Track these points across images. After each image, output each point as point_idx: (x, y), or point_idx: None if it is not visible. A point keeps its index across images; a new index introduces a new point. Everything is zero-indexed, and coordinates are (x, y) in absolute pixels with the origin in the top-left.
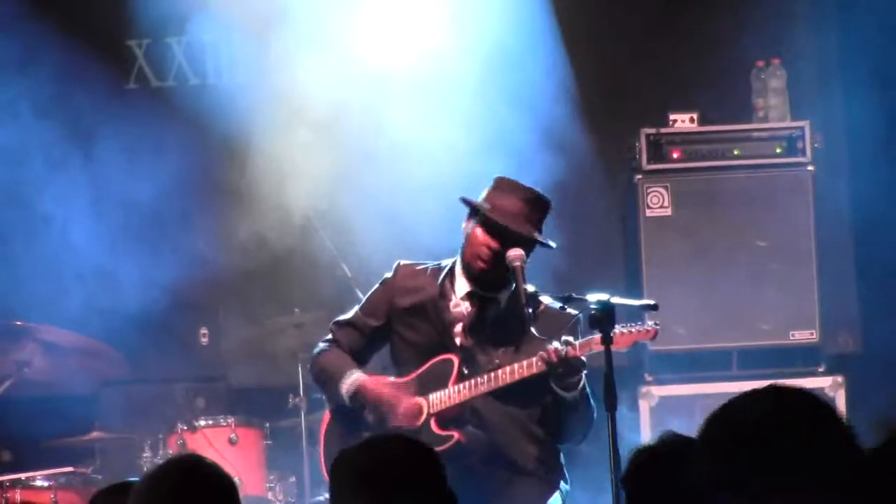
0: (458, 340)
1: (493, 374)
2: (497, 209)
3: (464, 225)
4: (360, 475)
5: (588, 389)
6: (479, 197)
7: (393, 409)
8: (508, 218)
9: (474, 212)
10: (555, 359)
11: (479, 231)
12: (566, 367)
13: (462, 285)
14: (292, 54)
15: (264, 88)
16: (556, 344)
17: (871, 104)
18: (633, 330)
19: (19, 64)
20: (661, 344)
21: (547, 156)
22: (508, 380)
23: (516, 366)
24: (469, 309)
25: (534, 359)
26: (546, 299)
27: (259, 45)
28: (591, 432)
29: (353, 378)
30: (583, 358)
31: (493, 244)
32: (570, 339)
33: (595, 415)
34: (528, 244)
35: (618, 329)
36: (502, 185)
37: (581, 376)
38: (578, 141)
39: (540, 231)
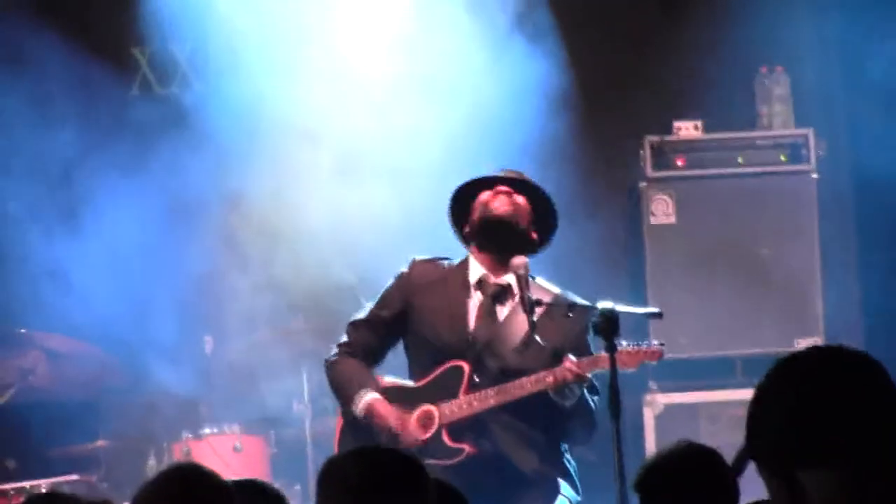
0: (469, 336)
1: (503, 388)
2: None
3: (466, 228)
4: (349, 486)
5: (587, 395)
6: (448, 207)
7: (395, 439)
8: (504, 172)
9: (466, 199)
10: (569, 378)
11: (483, 194)
12: (571, 385)
13: (475, 271)
14: (296, 62)
15: (268, 95)
16: (567, 363)
17: (875, 111)
18: (639, 350)
19: (23, 70)
20: (666, 351)
21: (551, 163)
22: (518, 395)
23: (525, 381)
24: (482, 299)
25: (542, 375)
26: (549, 288)
27: (263, 53)
28: (595, 436)
29: (366, 401)
30: (588, 375)
31: (503, 188)
32: (573, 359)
33: (596, 418)
34: (532, 194)
35: (625, 345)
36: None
37: (583, 390)
38: (583, 148)
39: None
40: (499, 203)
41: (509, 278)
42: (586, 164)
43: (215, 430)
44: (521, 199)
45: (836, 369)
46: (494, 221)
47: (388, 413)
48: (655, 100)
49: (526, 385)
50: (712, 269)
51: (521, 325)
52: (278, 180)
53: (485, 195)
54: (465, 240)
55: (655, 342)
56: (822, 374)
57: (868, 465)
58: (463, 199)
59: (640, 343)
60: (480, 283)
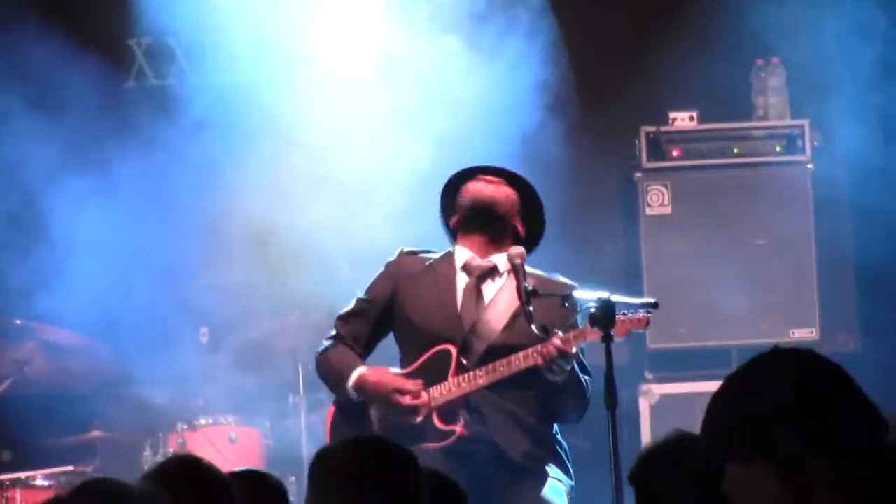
0: (458, 316)
1: (491, 367)
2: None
3: (453, 219)
4: (341, 474)
5: (579, 372)
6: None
7: (396, 398)
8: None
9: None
10: (554, 353)
11: (471, 183)
12: (559, 360)
13: (461, 256)
14: (290, 58)
15: (264, 87)
16: (554, 338)
17: (871, 102)
18: (626, 318)
19: (19, 62)
20: (662, 342)
21: (547, 154)
22: (506, 372)
23: (513, 358)
24: (467, 281)
25: (530, 351)
26: (535, 276)
27: (259, 44)
28: (587, 415)
29: (357, 374)
30: (574, 350)
31: (491, 177)
32: (560, 332)
33: (589, 393)
34: (517, 184)
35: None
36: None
37: (572, 365)
38: (579, 139)
39: None
40: (483, 186)
41: (496, 259)
42: (582, 154)
43: (211, 422)
44: (507, 190)
45: (816, 366)
46: (478, 204)
47: (382, 375)
48: (651, 90)
49: (514, 362)
50: (708, 259)
51: (507, 304)
52: (274, 173)
53: (472, 184)
54: (452, 232)
55: (641, 311)
56: (813, 369)
57: (862, 450)
58: (452, 195)
59: (627, 312)
60: (466, 266)
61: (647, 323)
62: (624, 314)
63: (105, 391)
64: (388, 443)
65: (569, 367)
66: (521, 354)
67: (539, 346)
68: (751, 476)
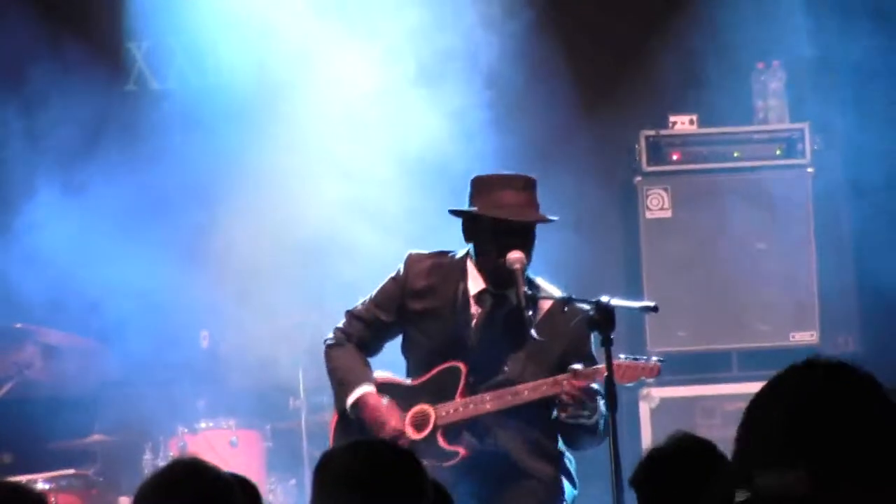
0: (468, 344)
1: (498, 394)
2: (506, 208)
3: (466, 236)
4: (347, 478)
5: (604, 409)
6: (466, 205)
7: (382, 430)
8: (523, 212)
9: (475, 218)
10: (572, 392)
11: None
12: (580, 398)
13: (474, 284)
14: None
15: (265, 89)
16: (565, 375)
17: (870, 106)
18: (637, 364)
19: (19, 65)
20: (661, 345)
21: (547, 158)
22: (513, 402)
23: (522, 389)
24: (480, 310)
25: (540, 383)
26: (550, 291)
27: (259, 47)
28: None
29: (358, 394)
30: (594, 386)
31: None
32: (578, 367)
33: (601, 429)
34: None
35: (623, 358)
36: (491, 183)
37: (598, 403)
38: (578, 143)
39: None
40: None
41: (509, 293)
42: (582, 158)
43: (211, 425)
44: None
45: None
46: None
47: (378, 406)
48: (651, 94)
49: (522, 393)
50: (708, 263)
51: (519, 332)
52: (275, 174)
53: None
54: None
55: (654, 358)
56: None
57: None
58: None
59: (639, 358)
60: (481, 295)
61: (659, 371)
62: (635, 359)
63: (106, 394)
64: (393, 446)
65: (594, 406)
66: (530, 385)
67: (553, 379)
68: (784, 483)
